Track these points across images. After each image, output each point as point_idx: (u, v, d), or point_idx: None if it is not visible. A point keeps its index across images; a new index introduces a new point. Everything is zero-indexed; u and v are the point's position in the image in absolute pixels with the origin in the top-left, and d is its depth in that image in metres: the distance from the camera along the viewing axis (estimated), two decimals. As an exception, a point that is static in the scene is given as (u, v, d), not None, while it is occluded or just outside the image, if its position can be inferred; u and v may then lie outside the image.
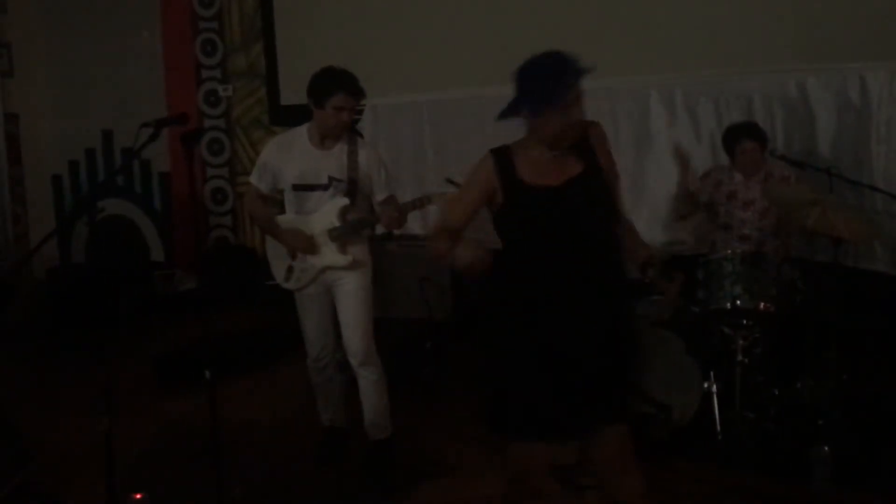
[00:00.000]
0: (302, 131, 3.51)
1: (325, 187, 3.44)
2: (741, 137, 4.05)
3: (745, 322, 3.65)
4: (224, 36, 7.08)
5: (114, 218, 7.20)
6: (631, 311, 2.63)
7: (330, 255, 3.47)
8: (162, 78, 7.05)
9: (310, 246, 3.46)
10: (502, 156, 2.46)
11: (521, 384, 2.44)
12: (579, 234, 2.39)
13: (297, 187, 3.46)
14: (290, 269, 3.55)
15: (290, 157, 3.47)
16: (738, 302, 3.58)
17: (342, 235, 3.45)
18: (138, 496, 2.99)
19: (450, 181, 4.57)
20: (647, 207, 5.08)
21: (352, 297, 3.50)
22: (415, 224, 5.94)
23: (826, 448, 3.21)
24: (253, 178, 3.57)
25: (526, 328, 2.42)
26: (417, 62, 5.85)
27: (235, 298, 6.35)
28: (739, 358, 3.61)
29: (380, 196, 3.50)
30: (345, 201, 3.43)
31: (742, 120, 4.42)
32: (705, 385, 3.58)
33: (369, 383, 3.53)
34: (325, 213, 3.45)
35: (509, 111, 2.35)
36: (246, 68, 7.05)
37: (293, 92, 6.71)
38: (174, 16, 7.05)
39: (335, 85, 3.34)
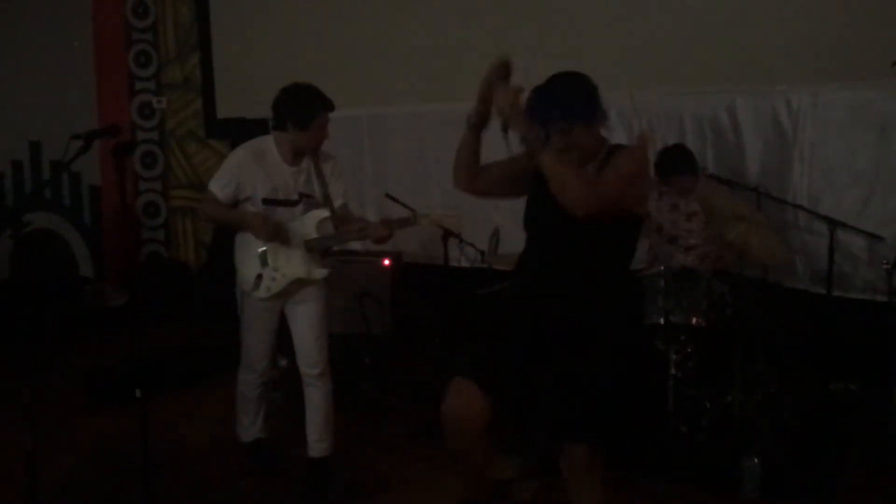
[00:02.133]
0: (270, 146, 3.45)
1: (294, 203, 3.43)
2: (678, 173, 4.07)
3: (677, 337, 3.73)
4: (159, 47, 6.97)
5: (41, 232, 6.98)
6: (609, 338, 2.45)
7: (305, 266, 3.43)
8: (93, 89, 6.89)
9: (278, 233, 3.38)
10: None
11: (489, 338, 2.61)
12: (552, 237, 2.50)
13: (268, 202, 3.41)
14: (259, 278, 3.46)
15: (262, 171, 3.41)
16: (671, 317, 3.65)
17: (319, 247, 3.44)
18: (64, 519, 2.89)
19: (389, 197, 4.59)
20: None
21: (315, 307, 3.49)
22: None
23: (756, 459, 3.29)
24: (214, 186, 3.42)
25: (511, 302, 2.62)
26: (356, 77, 5.85)
27: (167, 314, 6.22)
28: (672, 372, 3.68)
29: (336, 202, 3.49)
30: (325, 213, 3.42)
31: (675, 141, 4.54)
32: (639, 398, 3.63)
33: (324, 394, 3.51)
34: (303, 222, 3.43)
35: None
36: (181, 80, 6.94)
37: (229, 105, 6.65)
38: (106, 26, 6.91)
39: (321, 105, 3.35)
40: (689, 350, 3.80)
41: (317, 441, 3.54)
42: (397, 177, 5.62)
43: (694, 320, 3.65)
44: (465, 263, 4.67)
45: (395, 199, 4.48)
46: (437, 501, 3.34)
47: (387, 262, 5.28)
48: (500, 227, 4.51)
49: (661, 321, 3.67)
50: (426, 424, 4.13)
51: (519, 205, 5.56)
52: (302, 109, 3.32)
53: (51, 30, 6.94)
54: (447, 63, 5.46)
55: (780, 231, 4.07)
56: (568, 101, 2.43)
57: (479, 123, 2.54)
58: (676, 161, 4.12)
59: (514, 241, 5.10)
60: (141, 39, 6.96)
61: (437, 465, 3.65)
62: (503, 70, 2.46)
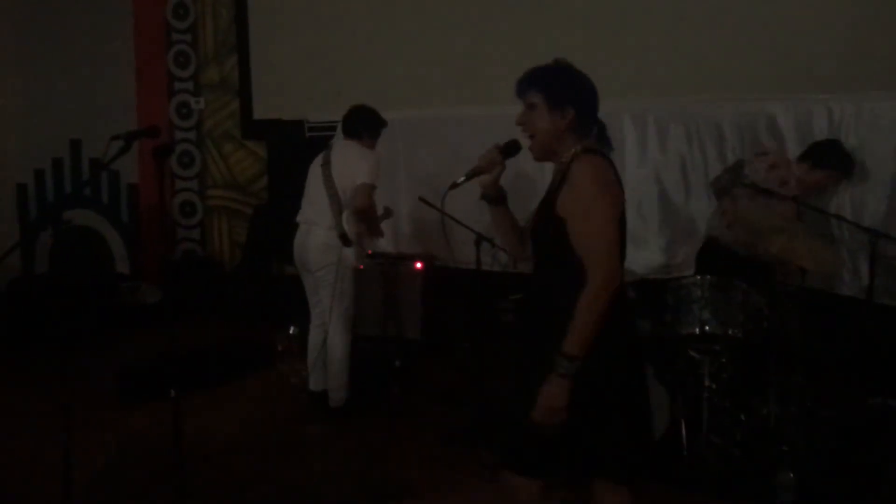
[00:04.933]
0: None
1: None
2: (831, 167, 4.01)
3: (713, 347, 3.67)
4: (197, 48, 7.05)
5: (80, 229, 7.09)
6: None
7: None
8: (133, 88, 6.99)
9: None
10: None
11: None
12: (534, 262, 2.39)
13: None
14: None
15: None
16: (707, 327, 3.60)
17: None
18: (97, 515, 2.93)
19: (423, 200, 4.59)
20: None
21: None
22: (385, 241, 5.95)
23: (791, 474, 3.23)
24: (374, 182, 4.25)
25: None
26: (391, 80, 5.86)
27: (201, 312, 6.28)
28: (706, 383, 3.63)
29: None
30: None
31: (715, 149, 4.51)
32: (672, 409, 3.59)
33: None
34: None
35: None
36: (219, 81, 7.02)
37: (265, 106, 6.70)
38: (147, 26, 7.01)
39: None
40: (724, 361, 3.75)
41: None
42: (431, 180, 5.62)
43: (730, 331, 3.60)
44: (497, 268, 4.65)
45: (428, 203, 4.47)
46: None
47: (419, 265, 5.28)
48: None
49: (697, 331, 3.62)
50: (455, 429, 4.12)
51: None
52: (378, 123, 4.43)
53: (92, 29, 7.05)
54: (482, 66, 5.44)
55: (823, 239, 3.98)
56: (551, 77, 2.29)
57: (497, 198, 2.43)
58: (838, 157, 4.04)
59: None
60: (180, 40, 7.04)
61: (465, 471, 3.64)
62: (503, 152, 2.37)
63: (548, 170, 2.41)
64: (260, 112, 6.72)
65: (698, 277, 3.69)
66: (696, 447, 3.57)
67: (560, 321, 2.15)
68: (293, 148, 6.37)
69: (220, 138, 7.09)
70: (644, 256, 4.97)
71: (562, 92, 2.27)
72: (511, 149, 2.37)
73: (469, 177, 2.38)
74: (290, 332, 5.24)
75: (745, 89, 4.67)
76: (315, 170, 4.34)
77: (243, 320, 6.08)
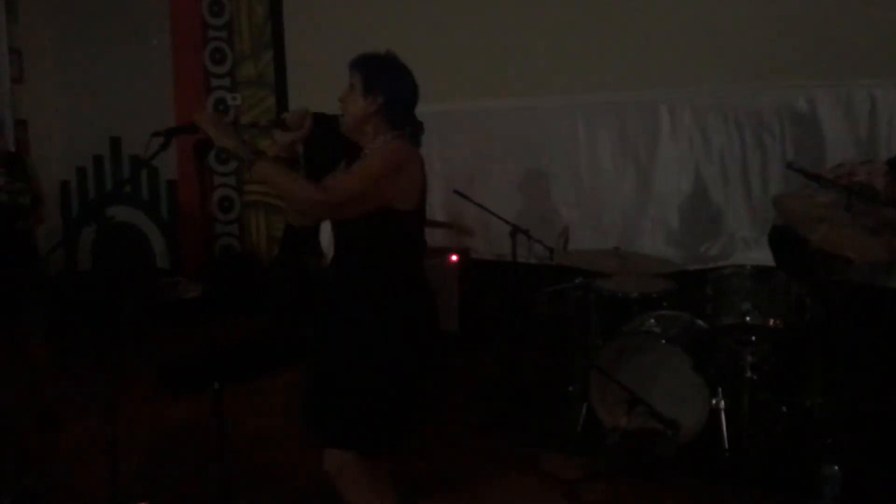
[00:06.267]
0: None
1: None
2: None
3: (753, 338, 3.62)
4: (233, 45, 7.12)
5: (120, 225, 7.21)
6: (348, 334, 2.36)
7: None
8: (171, 86, 7.08)
9: None
10: None
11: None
12: (334, 240, 2.53)
13: None
14: None
15: None
16: (748, 318, 3.55)
17: None
18: (142, 505, 2.98)
19: (458, 193, 4.59)
20: (655, 221, 5.08)
21: None
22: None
23: (836, 467, 3.17)
24: None
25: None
26: (425, 73, 5.80)
27: (240, 306, 6.35)
28: (748, 374, 3.58)
29: None
30: None
31: (755, 136, 4.43)
32: (713, 401, 3.55)
33: None
34: None
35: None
36: (255, 77, 7.07)
37: (301, 101, 6.74)
38: (184, 24, 7.09)
39: None
40: (766, 352, 3.70)
41: None
42: (466, 173, 5.61)
43: (771, 322, 3.54)
44: (533, 260, 4.63)
45: (463, 195, 4.48)
46: (499, 500, 3.33)
47: (454, 258, 5.28)
48: (570, 224, 4.47)
49: (738, 322, 3.58)
50: (490, 422, 4.12)
51: (589, 203, 5.50)
52: None
53: (130, 28, 7.16)
54: (516, 59, 5.41)
55: (871, 229, 3.89)
56: (372, 64, 2.51)
57: (291, 160, 2.61)
58: None
59: (584, 238, 5.09)
60: (216, 37, 7.11)
61: (500, 463, 3.64)
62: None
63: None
64: (295, 107, 6.77)
65: (740, 267, 3.64)
66: (737, 440, 3.53)
67: (351, 300, 2.35)
68: (328, 142, 6.40)
69: (257, 134, 7.14)
70: (682, 247, 4.92)
71: (376, 79, 2.46)
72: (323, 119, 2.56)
73: (275, 124, 2.64)
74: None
75: (785, 76, 4.59)
76: None
77: (281, 314, 6.13)
